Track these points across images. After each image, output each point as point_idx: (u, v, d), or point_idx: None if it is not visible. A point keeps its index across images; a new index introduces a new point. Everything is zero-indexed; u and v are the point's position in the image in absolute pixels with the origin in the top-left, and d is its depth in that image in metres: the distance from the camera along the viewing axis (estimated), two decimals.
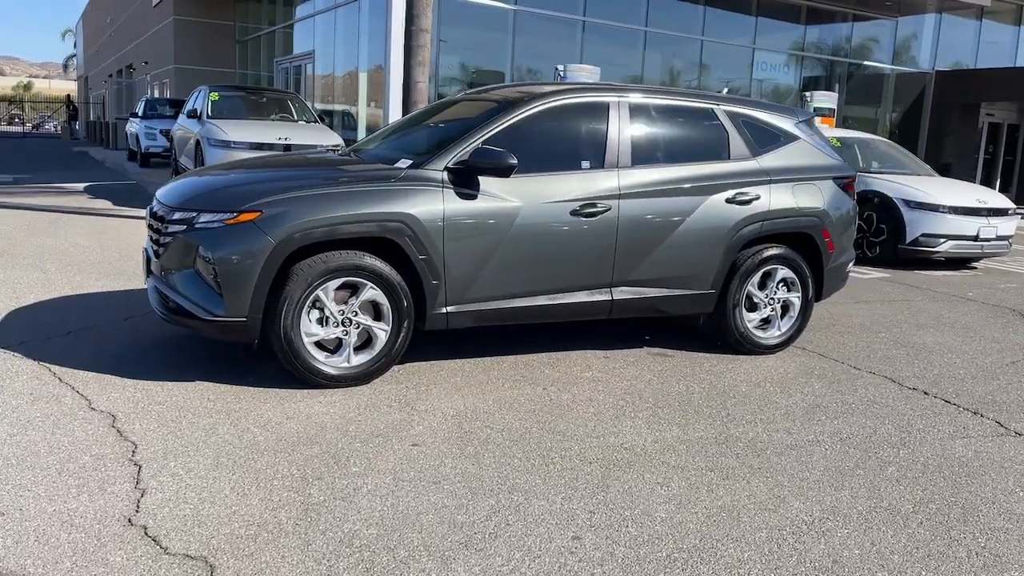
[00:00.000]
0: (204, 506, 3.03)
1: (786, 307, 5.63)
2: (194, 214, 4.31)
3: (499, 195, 4.65)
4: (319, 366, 4.35)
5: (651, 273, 5.11)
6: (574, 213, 4.82)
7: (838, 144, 11.17)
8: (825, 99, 18.70)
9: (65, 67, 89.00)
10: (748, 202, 5.31)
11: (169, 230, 4.40)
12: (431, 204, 4.48)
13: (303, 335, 4.30)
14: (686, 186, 5.16)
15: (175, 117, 15.62)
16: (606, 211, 4.89)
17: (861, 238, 10.42)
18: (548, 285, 4.87)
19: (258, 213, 4.22)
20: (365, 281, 4.39)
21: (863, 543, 3.03)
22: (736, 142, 5.43)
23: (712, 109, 5.45)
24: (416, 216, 4.43)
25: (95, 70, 48.35)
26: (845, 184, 5.80)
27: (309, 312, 4.33)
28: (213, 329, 4.29)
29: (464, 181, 4.59)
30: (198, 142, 11.99)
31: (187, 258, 4.30)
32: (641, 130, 5.18)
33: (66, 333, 5.21)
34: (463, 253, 4.58)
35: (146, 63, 32.39)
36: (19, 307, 5.79)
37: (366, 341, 4.49)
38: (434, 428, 3.93)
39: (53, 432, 3.62)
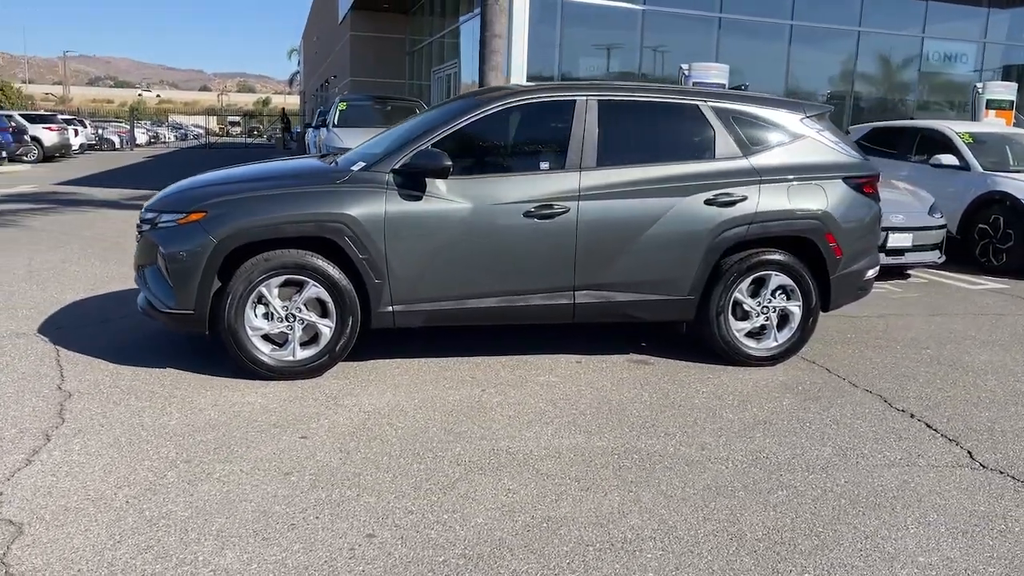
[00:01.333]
0: (63, 480, 3.34)
1: (785, 316, 5.23)
2: (157, 215, 4.71)
3: (446, 197, 4.69)
4: (262, 358, 4.60)
5: (618, 276, 4.94)
6: (527, 215, 4.76)
7: (970, 140, 10.14)
8: (1002, 91, 16.89)
9: (290, 83, 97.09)
10: (731, 203, 4.99)
11: (141, 229, 4.84)
12: (372, 205, 4.61)
13: (248, 328, 4.57)
14: (658, 187, 4.94)
15: None
16: (563, 213, 4.79)
17: (986, 244, 9.38)
18: (502, 287, 4.84)
19: (204, 214, 4.55)
20: (308, 279, 4.60)
21: (664, 566, 2.82)
22: (724, 140, 5.12)
23: (698, 106, 5.16)
24: (355, 217, 4.57)
25: (310, 85, 52.65)
26: (861, 184, 5.29)
27: (255, 307, 4.59)
28: (169, 320, 4.66)
29: (408, 183, 4.67)
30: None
31: (151, 255, 4.71)
32: (611, 129, 5.02)
33: (102, 321, 5.82)
34: (407, 253, 4.66)
35: (335, 76, 34.90)
36: (90, 296, 6.53)
37: (314, 337, 4.69)
38: (337, 423, 4.05)
39: (6, 407, 4.10)
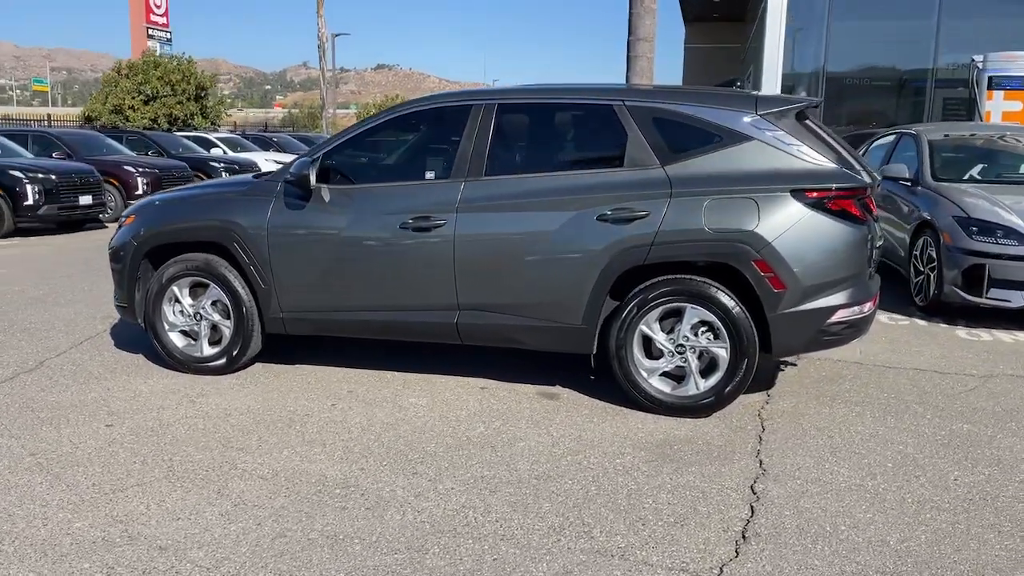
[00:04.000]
0: None
1: (715, 359, 4.27)
2: (123, 219, 5.38)
3: (329, 206, 4.67)
4: (174, 352, 5.02)
5: (502, 298, 4.47)
6: (404, 226, 4.53)
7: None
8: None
9: None
10: (628, 220, 4.22)
11: None
12: (258, 213, 4.76)
13: (164, 324, 5.03)
14: (547, 199, 4.37)
15: None
16: (440, 226, 4.48)
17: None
18: (386, 301, 4.67)
19: (133, 218, 5.10)
20: (211, 282, 4.91)
21: None
22: (636, 146, 4.33)
23: (611, 107, 4.42)
24: (241, 224, 4.77)
25: None
26: (823, 199, 4.11)
27: (172, 304, 5.02)
28: (121, 312, 5.30)
29: (292, 192, 4.74)
30: None
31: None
32: (507, 137, 4.56)
33: None
34: (289, 261, 4.74)
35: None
36: None
37: (221, 337, 4.99)
38: (155, 417, 4.28)
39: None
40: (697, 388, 4.28)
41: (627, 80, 8.74)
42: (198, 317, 4.99)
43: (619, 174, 4.34)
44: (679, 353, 4.30)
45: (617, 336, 4.33)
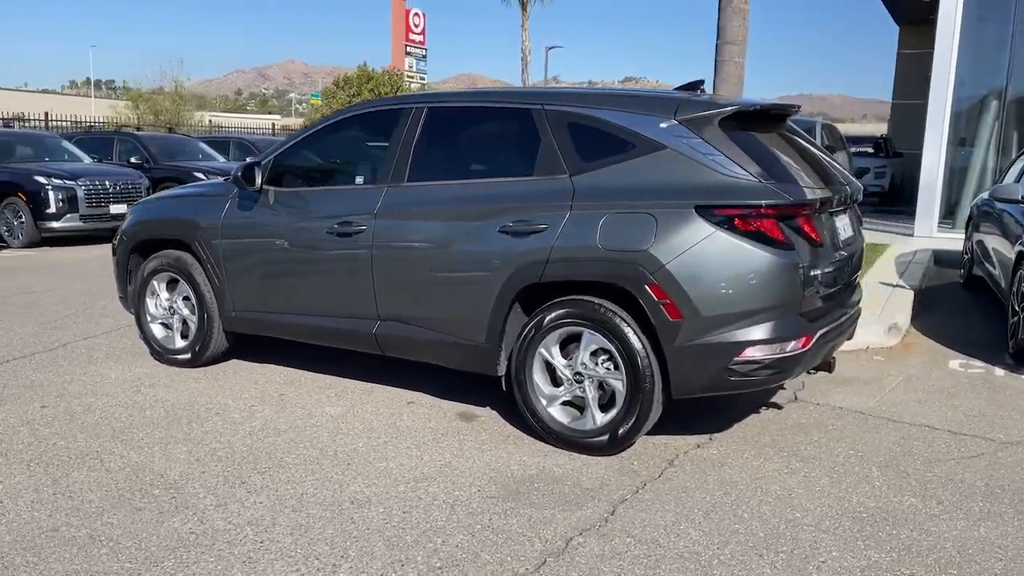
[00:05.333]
0: None
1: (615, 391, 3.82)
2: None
3: (271, 209, 4.72)
4: (155, 342, 5.30)
5: (417, 310, 4.28)
6: (329, 232, 4.47)
7: None
8: None
9: None
10: (526, 234, 3.88)
11: None
12: (214, 213, 4.91)
13: (147, 315, 5.32)
14: (456, 208, 4.13)
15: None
16: (360, 232, 4.38)
17: None
18: (316, 305, 4.63)
19: (130, 214, 5.45)
20: (180, 277, 5.14)
21: None
22: (549, 153, 3.96)
23: (529, 111, 4.07)
24: (199, 223, 4.94)
25: None
26: (732, 216, 3.52)
27: (153, 297, 5.30)
28: (121, 304, 5.66)
29: (244, 194, 4.83)
30: None
31: None
32: (433, 141, 4.35)
33: None
34: (236, 260, 4.84)
35: None
36: None
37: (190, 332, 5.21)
38: (89, 402, 4.54)
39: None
40: (594, 422, 3.85)
41: (714, 87, 8.07)
42: (171, 311, 5.24)
43: (527, 183, 4.00)
44: (578, 382, 3.89)
45: (516, 358, 4.00)
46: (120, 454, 3.83)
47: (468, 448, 3.96)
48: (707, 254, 3.55)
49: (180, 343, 5.22)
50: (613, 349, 3.74)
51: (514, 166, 4.15)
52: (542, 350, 3.94)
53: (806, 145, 4.21)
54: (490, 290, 4.00)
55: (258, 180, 4.67)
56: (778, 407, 4.64)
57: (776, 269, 3.55)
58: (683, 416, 4.29)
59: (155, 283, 5.27)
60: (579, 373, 3.87)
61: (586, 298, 3.80)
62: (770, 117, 4.12)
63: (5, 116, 21.26)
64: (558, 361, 3.93)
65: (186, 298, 5.16)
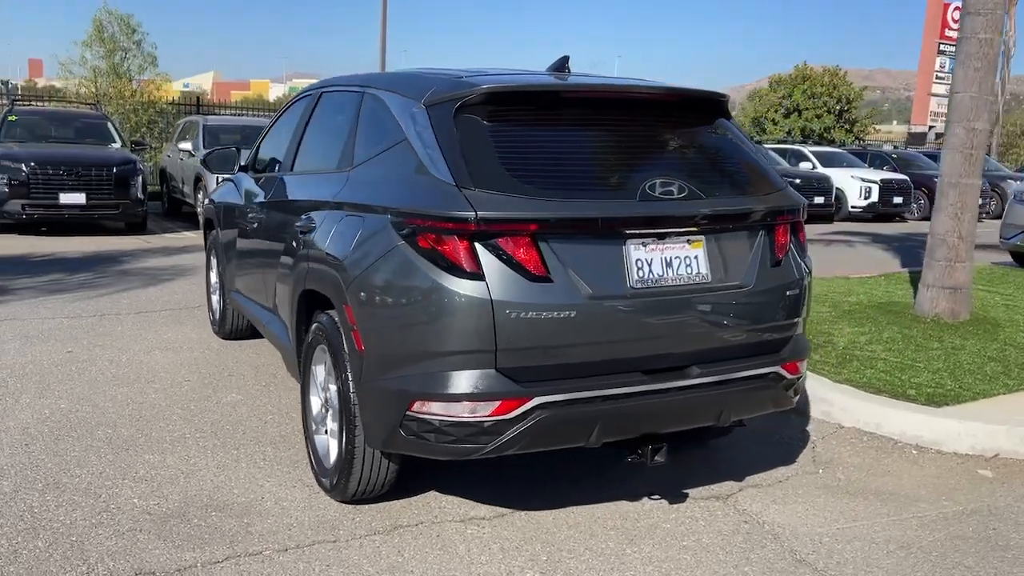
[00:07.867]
0: None
1: None
2: None
3: (245, 191, 4.79)
4: (209, 314, 5.83)
5: (268, 300, 4.20)
6: (248, 218, 4.51)
7: None
8: None
9: None
10: (307, 233, 3.42)
11: None
12: (220, 194, 5.26)
13: (210, 285, 5.85)
14: (283, 201, 4.02)
15: None
16: (254, 220, 4.35)
17: None
18: (260, 295, 4.63)
19: None
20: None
21: None
22: (351, 142, 3.44)
23: (361, 94, 3.52)
24: (214, 200, 5.31)
25: None
26: (416, 229, 2.66)
27: (212, 270, 5.80)
28: None
29: (228, 179, 5.08)
30: None
31: None
32: (309, 130, 4.11)
33: None
34: (225, 240, 5.10)
35: None
36: None
37: None
38: (96, 354, 5.15)
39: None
40: (330, 459, 3.26)
41: (953, 81, 5.95)
42: (213, 288, 5.70)
43: (326, 176, 3.54)
44: (325, 407, 3.34)
45: (303, 375, 3.56)
46: (7, 406, 4.33)
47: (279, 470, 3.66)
48: (389, 273, 2.78)
49: (216, 315, 5.67)
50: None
51: (340, 155, 3.62)
52: (313, 366, 3.45)
53: (671, 140, 3.03)
54: (292, 292, 3.62)
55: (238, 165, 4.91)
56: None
57: (455, 304, 2.60)
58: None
59: (211, 258, 5.74)
60: (328, 398, 3.32)
61: (330, 312, 3.24)
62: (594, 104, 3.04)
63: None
64: (318, 380, 3.41)
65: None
